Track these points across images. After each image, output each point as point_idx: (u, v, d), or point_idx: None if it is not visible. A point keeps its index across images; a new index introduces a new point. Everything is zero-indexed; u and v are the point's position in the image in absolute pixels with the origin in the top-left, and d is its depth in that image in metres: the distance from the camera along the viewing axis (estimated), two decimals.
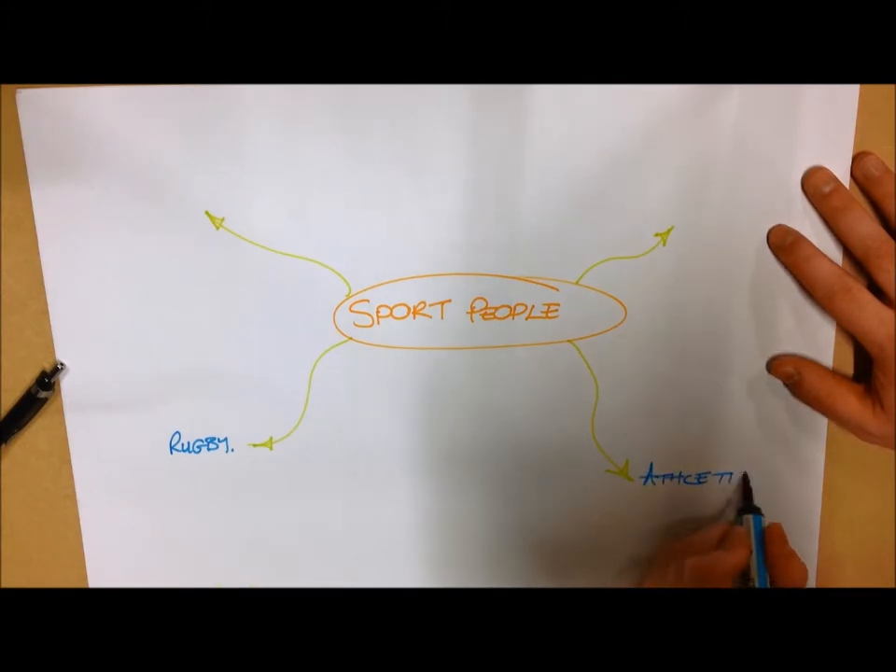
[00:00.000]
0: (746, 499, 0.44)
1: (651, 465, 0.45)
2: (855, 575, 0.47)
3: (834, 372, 0.43)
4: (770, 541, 0.41)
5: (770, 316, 0.43)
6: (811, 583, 0.46)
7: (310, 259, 0.41)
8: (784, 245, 0.41)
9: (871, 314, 0.39)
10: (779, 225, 0.41)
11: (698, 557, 0.40)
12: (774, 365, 0.43)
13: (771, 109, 0.39)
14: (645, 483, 0.45)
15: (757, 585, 0.40)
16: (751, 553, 0.41)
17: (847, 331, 0.41)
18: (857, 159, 0.40)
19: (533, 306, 0.42)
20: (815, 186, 0.40)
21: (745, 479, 0.44)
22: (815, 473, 0.45)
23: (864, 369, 0.42)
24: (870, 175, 0.40)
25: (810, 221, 0.41)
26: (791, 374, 0.42)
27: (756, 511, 0.43)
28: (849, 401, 0.41)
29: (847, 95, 0.40)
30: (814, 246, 0.40)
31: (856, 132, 0.40)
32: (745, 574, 0.41)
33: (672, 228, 0.41)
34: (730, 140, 0.40)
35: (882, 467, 0.45)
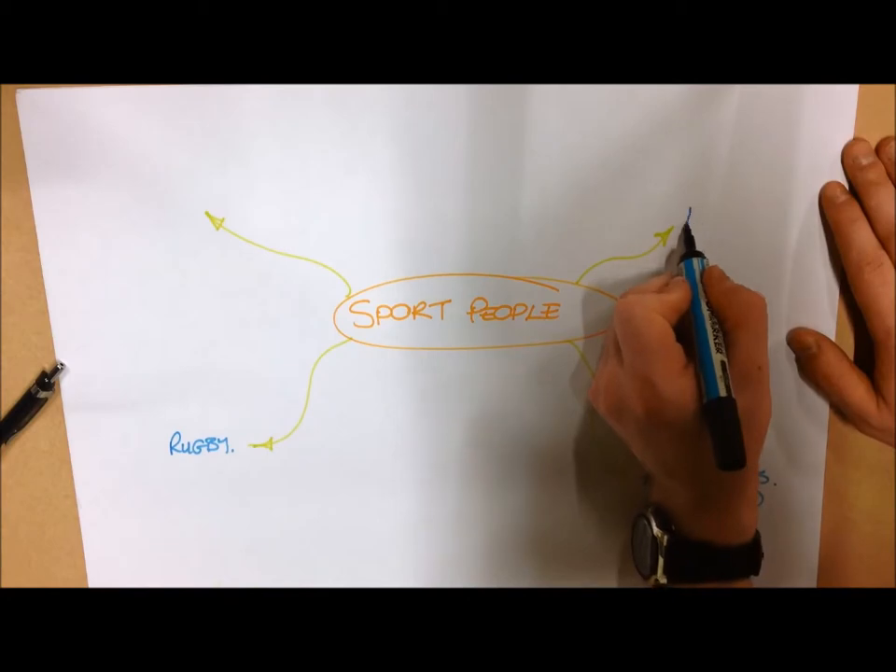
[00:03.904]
0: (687, 245, 0.40)
1: None
2: (855, 575, 0.47)
3: (849, 359, 0.42)
4: (708, 279, 0.38)
5: (770, 316, 0.42)
6: (811, 583, 0.46)
7: (310, 259, 0.41)
8: (836, 200, 0.40)
9: (892, 295, 0.39)
10: (836, 181, 0.41)
11: (628, 295, 0.38)
12: (795, 334, 0.42)
13: (771, 109, 0.40)
14: (645, 483, 0.45)
15: (697, 326, 0.37)
16: (690, 295, 0.38)
17: (862, 307, 0.40)
18: (847, 146, 0.40)
19: (533, 306, 0.42)
20: (853, 156, 0.40)
21: (686, 227, 0.41)
22: (815, 473, 0.45)
23: (863, 367, 0.42)
24: (857, 164, 0.40)
25: (810, 220, 0.41)
26: (809, 345, 0.42)
27: (697, 255, 0.40)
28: (858, 389, 0.40)
29: (846, 95, 0.40)
30: (862, 212, 0.40)
31: (855, 132, 0.40)
32: (690, 319, 0.38)
33: (672, 228, 0.41)
34: (730, 140, 0.40)
35: (882, 467, 0.45)
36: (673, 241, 0.41)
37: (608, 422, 0.40)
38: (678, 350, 0.36)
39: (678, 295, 0.37)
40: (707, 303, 0.38)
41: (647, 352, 0.36)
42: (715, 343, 0.36)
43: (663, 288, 0.39)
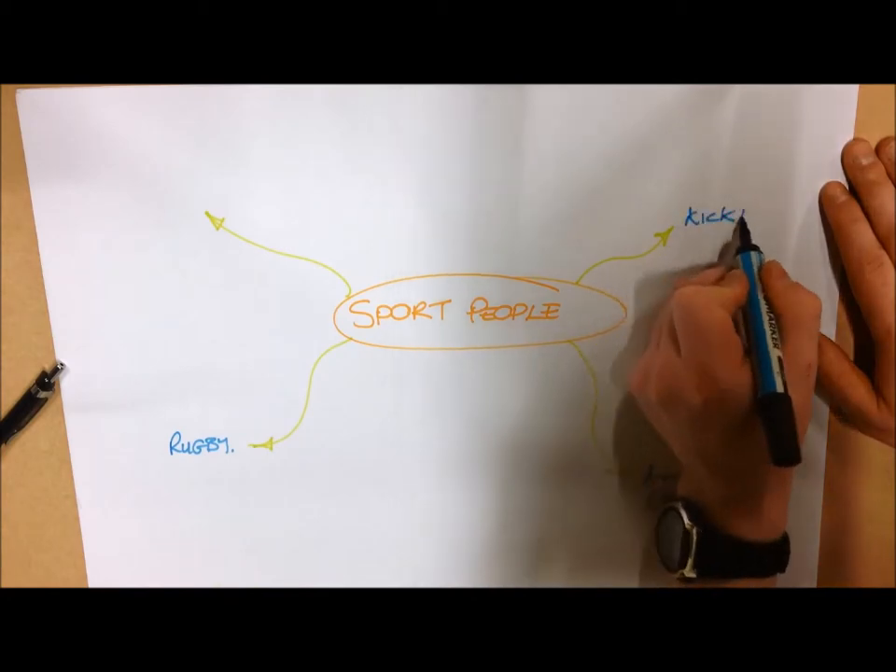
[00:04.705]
0: (743, 239, 0.41)
1: (651, 465, 0.45)
2: (855, 575, 0.47)
3: (849, 359, 0.42)
4: (768, 274, 0.38)
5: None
6: (811, 583, 0.46)
7: (310, 260, 0.41)
8: (837, 200, 0.40)
9: (892, 294, 0.39)
10: (836, 181, 0.41)
11: (688, 286, 0.38)
12: None
13: (771, 109, 0.39)
14: (645, 483, 0.45)
15: (755, 320, 0.37)
16: (748, 288, 0.38)
17: (863, 306, 0.40)
18: (847, 146, 0.40)
19: (533, 306, 0.42)
20: (854, 156, 0.40)
21: (741, 220, 0.41)
22: (815, 473, 0.45)
23: (863, 367, 0.42)
24: (858, 164, 0.40)
25: (810, 220, 0.41)
26: None
27: (753, 249, 0.40)
28: (859, 389, 0.40)
29: (846, 95, 0.40)
30: (862, 212, 0.40)
31: (855, 132, 0.40)
32: (746, 313, 0.38)
33: (672, 228, 0.41)
34: (730, 140, 0.40)
35: (882, 467, 0.45)
36: (673, 241, 0.41)
37: (649, 410, 0.40)
38: (737, 342, 0.36)
39: (736, 288, 0.38)
40: (764, 298, 0.38)
41: (708, 343, 0.36)
42: (772, 339, 0.36)
43: (720, 281, 0.39)
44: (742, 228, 0.41)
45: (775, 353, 0.35)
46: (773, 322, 0.37)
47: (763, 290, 0.38)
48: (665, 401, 0.38)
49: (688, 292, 0.37)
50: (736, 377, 0.35)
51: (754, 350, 0.36)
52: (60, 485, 0.43)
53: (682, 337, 0.37)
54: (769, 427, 0.34)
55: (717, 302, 0.36)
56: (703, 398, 0.36)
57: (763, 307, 0.37)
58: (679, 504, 0.40)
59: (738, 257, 0.40)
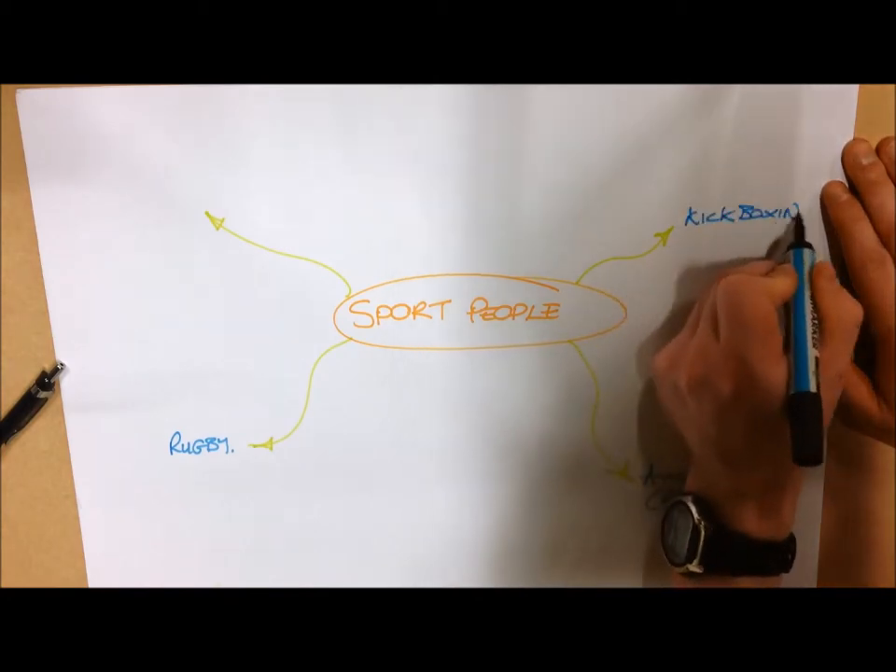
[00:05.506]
0: (797, 235, 0.40)
1: (652, 465, 0.45)
2: (855, 575, 0.47)
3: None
4: (818, 275, 0.38)
5: None
6: (811, 583, 0.46)
7: (310, 260, 0.41)
8: (839, 199, 0.40)
9: (893, 293, 0.39)
10: (838, 181, 0.41)
11: (735, 274, 0.37)
12: None
13: (771, 109, 0.39)
14: (645, 483, 0.45)
15: (798, 317, 0.36)
16: (797, 284, 0.37)
17: (864, 305, 0.39)
18: (848, 146, 0.40)
19: (533, 306, 0.42)
20: (854, 156, 0.40)
21: (797, 216, 0.41)
22: (815, 473, 0.45)
23: (864, 367, 0.42)
24: (858, 163, 0.40)
25: (810, 220, 0.41)
26: None
27: (807, 246, 0.39)
28: (861, 388, 0.40)
29: (846, 95, 0.40)
30: (863, 211, 0.40)
31: (855, 132, 0.40)
32: (790, 309, 0.37)
33: (672, 228, 0.41)
34: (730, 140, 0.40)
35: (882, 467, 0.45)
36: (673, 241, 0.41)
37: (672, 396, 0.39)
38: (779, 336, 0.36)
39: (785, 282, 0.37)
40: (811, 298, 0.37)
41: (750, 333, 0.35)
42: (812, 338, 0.36)
43: (768, 273, 0.38)
44: (798, 224, 0.40)
45: (813, 353, 0.35)
46: (816, 322, 0.36)
47: (811, 290, 0.38)
48: (694, 387, 0.37)
49: (735, 280, 0.36)
50: (773, 370, 0.35)
51: (794, 347, 0.36)
52: (60, 485, 0.43)
53: (724, 323, 0.36)
54: (798, 424, 0.34)
55: (764, 293, 0.36)
56: (735, 386, 0.36)
57: (809, 306, 0.37)
58: (689, 498, 0.40)
59: (790, 252, 0.40)
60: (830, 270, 0.38)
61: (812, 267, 0.38)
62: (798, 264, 0.39)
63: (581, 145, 0.39)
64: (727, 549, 0.39)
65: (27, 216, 0.39)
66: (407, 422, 0.43)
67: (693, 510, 0.39)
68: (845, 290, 0.38)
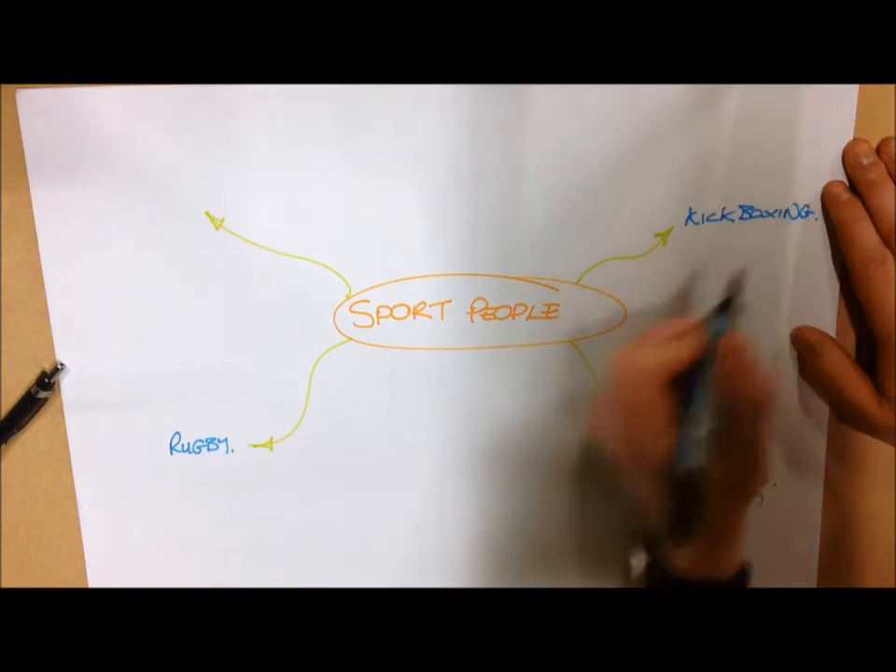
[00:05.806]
0: (725, 297, 0.36)
1: None
2: (855, 575, 0.47)
3: (852, 358, 0.42)
4: (725, 349, 0.35)
5: (770, 316, 0.43)
6: (811, 583, 0.46)
7: (310, 260, 0.41)
8: (840, 199, 0.40)
9: (894, 293, 0.39)
10: (839, 180, 0.41)
11: (627, 349, 0.36)
12: (798, 332, 0.42)
13: (771, 109, 0.39)
14: None
15: (692, 389, 0.35)
16: (696, 355, 0.35)
17: (865, 305, 0.40)
18: (848, 146, 0.40)
19: (533, 306, 0.42)
20: (854, 156, 0.40)
21: (735, 277, 0.37)
22: (815, 473, 0.45)
23: (864, 367, 0.42)
24: (859, 163, 0.40)
25: (810, 220, 0.41)
26: (813, 345, 0.42)
27: (726, 310, 0.36)
28: (861, 388, 0.40)
29: (846, 95, 0.40)
30: (864, 210, 0.40)
31: (855, 132, 0.40)
32: (687, 383, 0.35)
33: (672, 228, 0.41)
34: (730, 140, 0.40)
35: (882, 467, 0.45)
36: (673, 241, 0.41)
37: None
38: (661, 413, 0.35)
39: (679, 354, 0.35)
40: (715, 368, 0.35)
41: (633, 410, 0.36)
42: (703, 413, 0.35)
43: (674, 337, 0.36)
44: (730, 285, 0.37)
45: (704, 426, 0.35)
46: (713, 395, 0.35)
47: (717, 360, 0.35)
48: (602, 438, 0.39)
49: (623, 357, 0.36)
50: (653, 445, 0.36)
51: (680, 421, 0.35)
52: (60, 485, 0.43)
53: (613, 398, 0.37)
54: (671, 501, 0.35)
55: (650, 370, 0.35)
56: (626, 454, 0.37)
57: (709, 381, 0.35)
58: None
59: (711, 313, 0.37)
60: (741, 343, 0.35)
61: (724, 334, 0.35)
62: (715, 326, 0.36)
63: (581, 145, 0.39)
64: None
65: (27, 216, 0.39)
66: (407, 422, 0.43)
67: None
68: (755, 368, 0.35)
